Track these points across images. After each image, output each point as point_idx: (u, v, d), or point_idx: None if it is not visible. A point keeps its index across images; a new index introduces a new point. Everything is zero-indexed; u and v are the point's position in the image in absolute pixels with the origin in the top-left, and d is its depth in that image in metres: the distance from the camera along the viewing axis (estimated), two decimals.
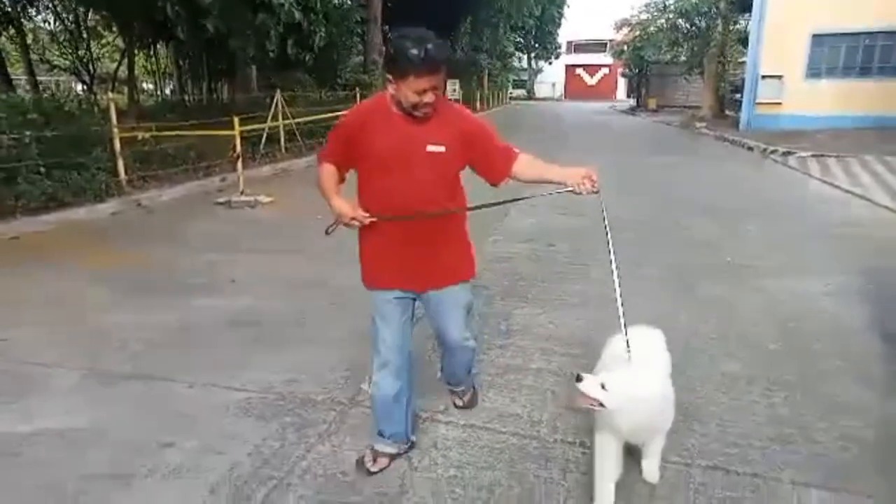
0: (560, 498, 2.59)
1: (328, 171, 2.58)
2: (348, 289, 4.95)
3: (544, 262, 5.97)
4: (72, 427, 3.07)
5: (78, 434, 3.03)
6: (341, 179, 2.62)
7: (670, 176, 11.20)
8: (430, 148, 2.44)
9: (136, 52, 16.92)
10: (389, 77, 2.36)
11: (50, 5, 16.62)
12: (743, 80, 20.89)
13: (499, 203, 2.76)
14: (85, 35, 17.51)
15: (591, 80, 61.77)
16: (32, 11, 16.65)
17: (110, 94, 10.81)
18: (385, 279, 2.63)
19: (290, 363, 3.74)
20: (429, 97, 2.34)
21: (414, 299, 2.71)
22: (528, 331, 4.26)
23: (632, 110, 35.65)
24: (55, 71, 20.06)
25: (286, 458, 2.83)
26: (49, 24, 18.46)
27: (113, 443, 2.95)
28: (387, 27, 19.08)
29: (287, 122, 12.65)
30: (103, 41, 19.75)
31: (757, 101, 18.67)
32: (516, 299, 4.87)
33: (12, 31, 15.96)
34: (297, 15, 12.63)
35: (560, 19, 51.15)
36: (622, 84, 52.61)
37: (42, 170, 7.38)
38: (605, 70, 58.88)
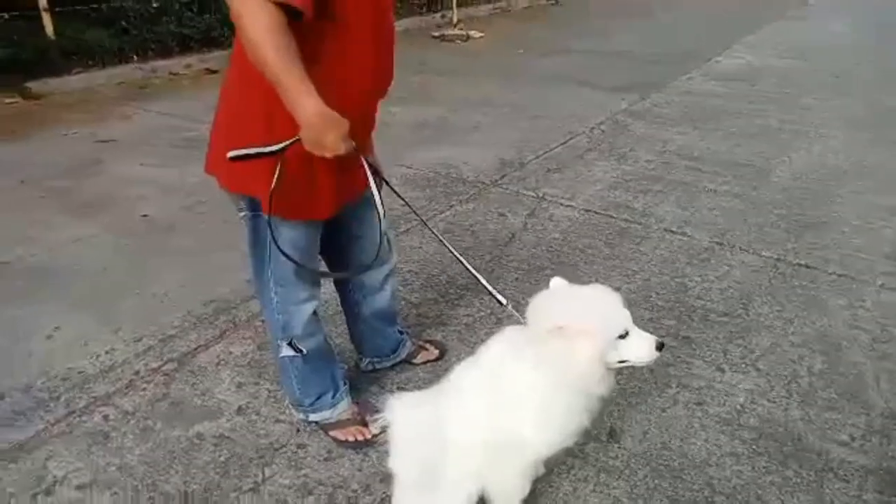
0: None
1: (277, 21, 1.29)
2: (514, 104, 5.55)
3: (734, 98, 5.80)
4: None
5: None
6: None
7: None
8: None
9: None
10: None
11: None
12: None
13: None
14: None
15: None
16: None
17: None
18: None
19: (453, 155, 4.45)
20: None
21: None
22: (681, 152, 4.46)
23: None
24: None
25: (430, 209, 3.60)
26: None
27: None
28: None
29: None
30: None
31: None
32: (682, 128, 4.99)
33: None
34: None
35: None
36: None
37: None
38: None
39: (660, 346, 1.40)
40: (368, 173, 1.54)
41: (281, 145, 1.45)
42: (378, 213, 1.56)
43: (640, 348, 1.39)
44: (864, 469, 1.86)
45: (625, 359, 1.38)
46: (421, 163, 4.27)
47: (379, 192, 1.58)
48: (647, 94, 5.97)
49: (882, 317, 2.55)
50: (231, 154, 1.48)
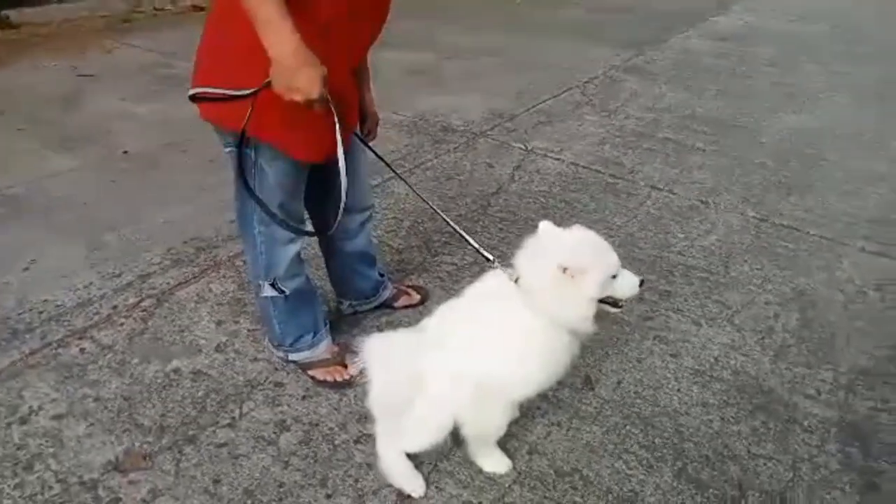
0: None
1: None
2: (508, 55, 5.44)
3: (729, 59, 5.72)
4: None
5: None
6: None
7: None
8: None
9: None
10: None
11: None
12: None
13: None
14: None
15: None
16: None
17: None
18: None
19: (444, 103, 4.38)
20: None
21: None
22: (672, 110, 4.42)
23: None
24: None
25: (419, 157, 3.56)
26: None
27: None
28: None
29: None
30: None
31: None
32: (674, 86, 4.92)
33: None
34: None
35: None
36: None
37: None
38: None
39: (641, 283, 1.51)
40: (338, 133, 1.46)
41: (247, 91, 1.41)
42: (341, 174, 1.48)
43: (629, 286, 1.49)
44: (828, 421, 1.91)
45: (616, 296, 1.48)
46: (410, 109, 4.20)
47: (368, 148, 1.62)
48: (642, 50, 5.87)
49: (859, 279, 2.58)
50: (191, 92, 1.48)
